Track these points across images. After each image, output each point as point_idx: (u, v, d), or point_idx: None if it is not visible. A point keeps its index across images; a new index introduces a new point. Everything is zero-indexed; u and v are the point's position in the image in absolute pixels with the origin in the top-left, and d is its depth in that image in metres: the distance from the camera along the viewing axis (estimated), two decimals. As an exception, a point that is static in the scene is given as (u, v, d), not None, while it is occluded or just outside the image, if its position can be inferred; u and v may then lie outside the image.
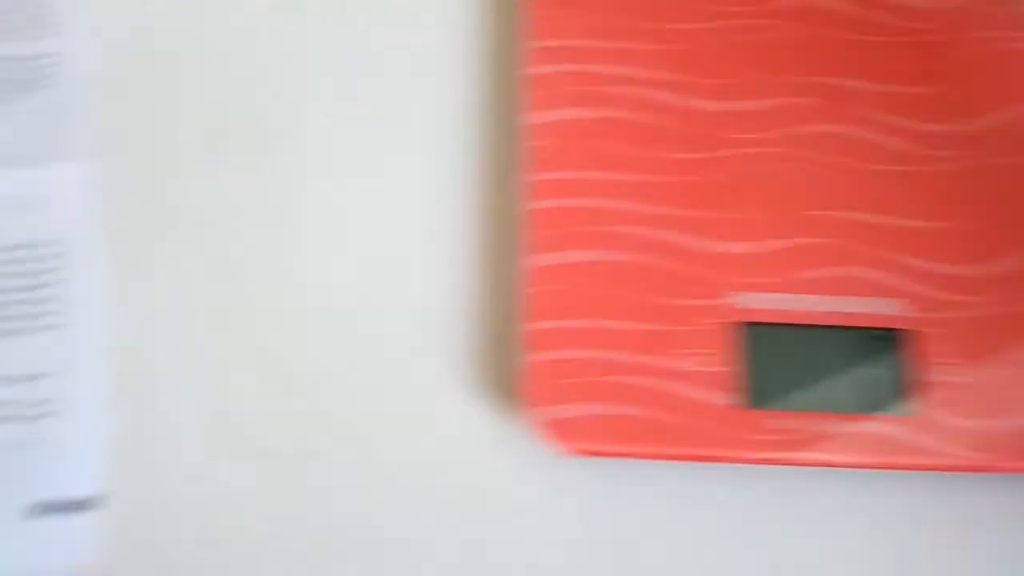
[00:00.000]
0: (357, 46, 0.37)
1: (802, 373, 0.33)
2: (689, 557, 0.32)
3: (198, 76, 0.37)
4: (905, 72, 0.36)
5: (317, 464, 0.33)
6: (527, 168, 0.34)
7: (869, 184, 0.34)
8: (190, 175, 0.36)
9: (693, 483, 0.32)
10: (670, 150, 0.35)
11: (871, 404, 0.32)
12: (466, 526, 0.32)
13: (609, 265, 0.33)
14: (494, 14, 0.38)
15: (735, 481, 0.32)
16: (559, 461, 0.32)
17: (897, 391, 0.32)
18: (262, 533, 0.32)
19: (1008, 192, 0.35)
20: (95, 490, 0.33)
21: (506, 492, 0.33)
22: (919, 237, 0.34)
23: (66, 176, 0.36)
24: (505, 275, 0.35)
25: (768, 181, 0.34)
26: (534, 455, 0.33)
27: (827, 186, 0.34)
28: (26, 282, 0.35)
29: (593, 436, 0.32)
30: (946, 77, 0.36)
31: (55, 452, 0.33)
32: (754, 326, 0.33)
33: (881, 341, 0.33)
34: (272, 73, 0.37)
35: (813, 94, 0.35)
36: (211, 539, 0.32)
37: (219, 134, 0.36)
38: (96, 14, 0.37)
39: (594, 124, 0.35)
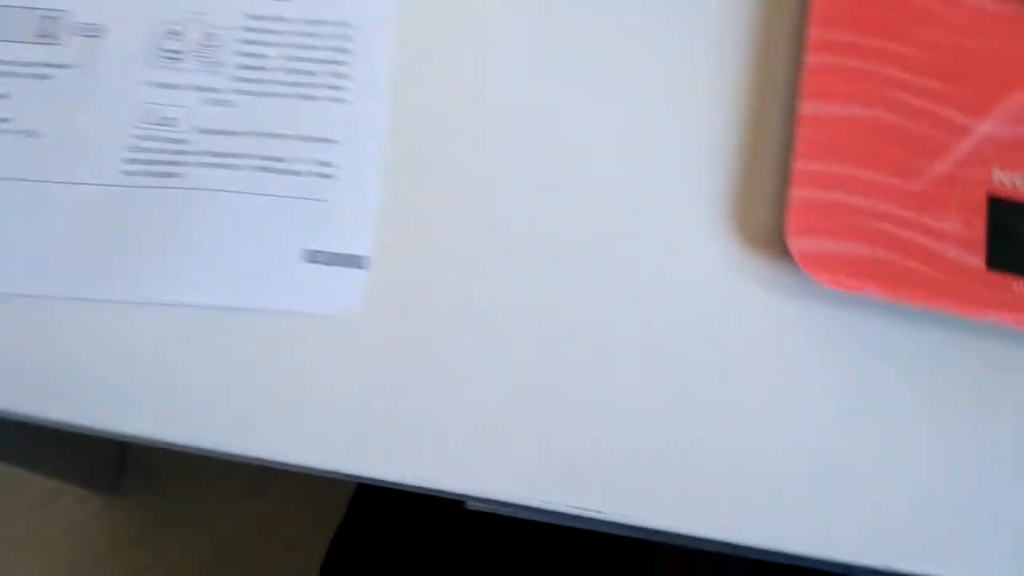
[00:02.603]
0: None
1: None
2: (922, 402, 0.34)
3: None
4: None
5: (573, 259, 0.35)
6: (806, 25, 0.36)
7: None
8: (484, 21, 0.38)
9: (939, 334, 0.34)
10: (944, 33, 0.36)
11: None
12: (713, 347, 0.34)
13: (880, 123, 0.35)
14: None
15: (977, 340, 0.34)
16: (812, 294, 0.34)
17: None
18: (509, 309, 0.34)
19: None
20: (363, 250, 0.35)
21: (757, 323, 0.34)
22: None
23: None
24: (774, 119, 0.36)
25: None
26: (788, 287, 0.34)
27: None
28: (325, 55, 0.37)
29: (849, 271, 0.33)
30: None
31: (332, 209, 0.35)
32: (1005, 200, 0.35)
33: None
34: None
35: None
36: (458, 318, 0.34)
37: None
38: None
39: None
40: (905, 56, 0.36)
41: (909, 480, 0.33)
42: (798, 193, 0.34)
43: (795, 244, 0.34)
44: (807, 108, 0.35)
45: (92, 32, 0.37)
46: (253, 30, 0.37)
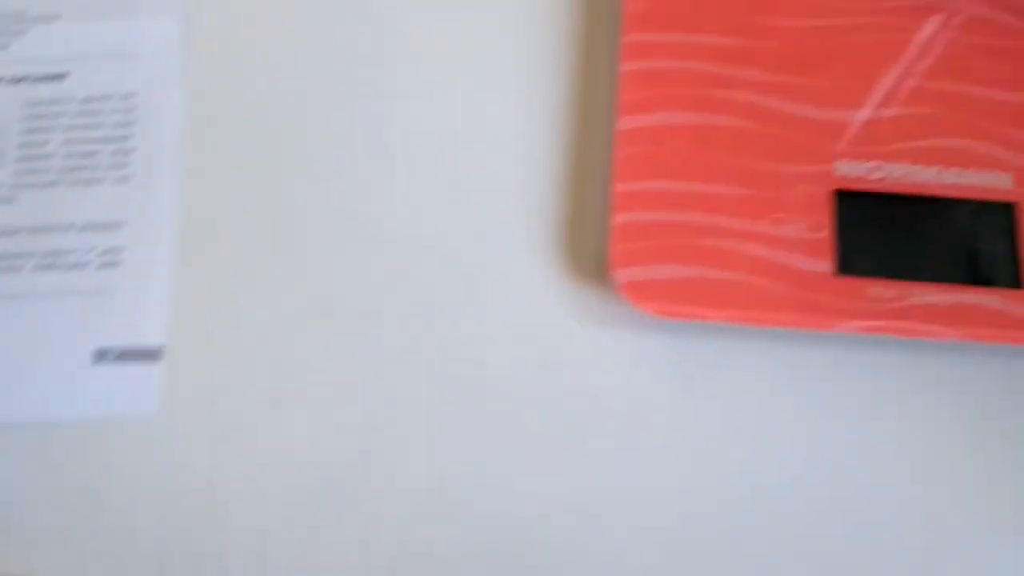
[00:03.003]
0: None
1: (902, 242, 0.31)
2: (772, 425, 0.30)
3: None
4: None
5: (387, 326, 0.32)
6: (621, 30, 0.33)
7: (976, 57, 0.33)
8: (275, 43, 0.35)
9: (783, 351, 0.31)
10: (769, 14, 0.33)
11: (973, 275, 0.30)
12: (544, 387, 0.31)
13: (706, 128, 0.32)
14: None
15: (828, 351, 0.31)
16: (644, 324, 0.31)
17: (1001, 263, 0.30)
18: (327, 394, 0.31)
19: None
20: (157, 340, 0.32)
21: (587, 355, 0.31)
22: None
23: (151, 30, 0.35)
24: (595, 139, 0.33)
25: (871, 49, 0.33)
26: (619, 319, 0.31)
27: (933, 57, 0.33)
28: (104, 133, 0.34)
29: (677, 298, 0.30)
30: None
31: (120, 300, 0.32)
32: (855, 194, 0.31)
33: (985, 213, 0.31)
34: None
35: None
36: (270, 398, 0.31)
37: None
38: None
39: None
40: (730, 49, 0.33)
41: (777, 509, 0.29)
42: (620, 218, 0.31)
43: (621, 275, 0.30)
44: (624, 123, 0.32)
45: None
46: (34, 117, 0.34)
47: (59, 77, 0.35)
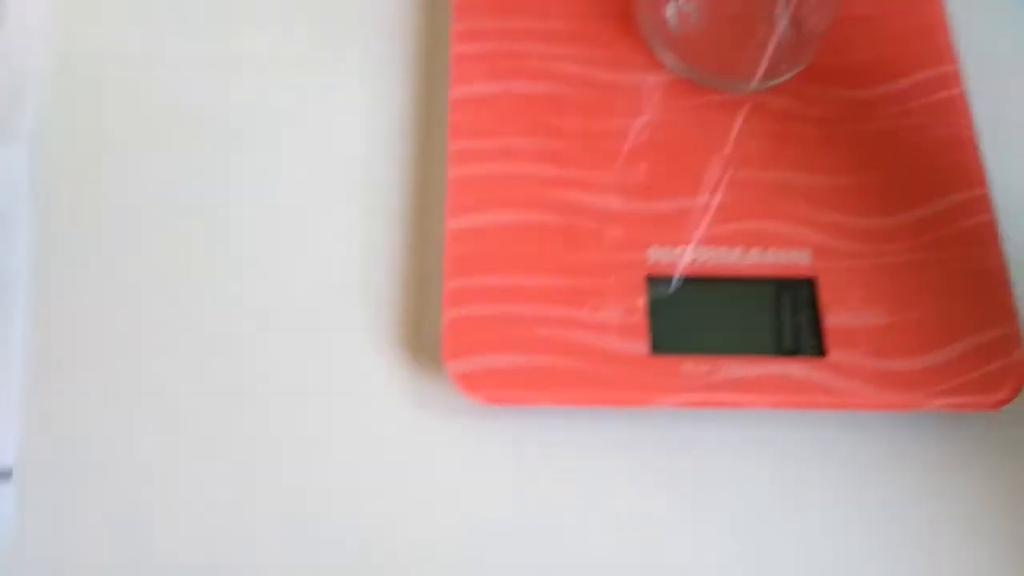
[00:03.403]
0: (282, 43, 0.39)
1: (711, 321, 0.33)
2: (603, 502, 0.32)
3: (138, 72, 0.38)
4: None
5: (238, 435, 0.33)
6: (449, 137, 0.35)
7: (773, 144, 0.36)
8: (122, 166, 0.37)
9: (608, 429, 0.33)
10: (576, 117, 0.36)
11: (779, 347, 0.33)
12: (386, 479, 0.32)
13: (528, 224, 0.34)
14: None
15: (650, 426, 0.33)
16: (479, 413, 0.32)
17: (804, 334, 0.33)
18: (179, 507, 0.32)
19: (904, 153, 0.36)
20: (6, 460, 0.32)
21: (427, 445, 0.33)
22: (824, 192, 0.35)
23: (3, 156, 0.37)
24: (430, 239, 0.35)
25: (677, 143, 0.36)
26: (456, 409, 0.33)
27: (734, 146, 0.36)
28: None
29: (506, 385, 0.32)
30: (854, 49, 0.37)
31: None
32: (665, 279, 0.33)
33: (787, 289, 0.33)
34: (208, 73, 0.38)
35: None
36: (125, 512, 0.32)
37: (156, 130, 0.37)
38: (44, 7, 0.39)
39: (508, 96, 0.36)
40: (547, 151, 0.35)
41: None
42: (451, 313, 0.33)
43: (453, 367, 0.32)
44: (452, 223, 0.34)
45: None
46: None
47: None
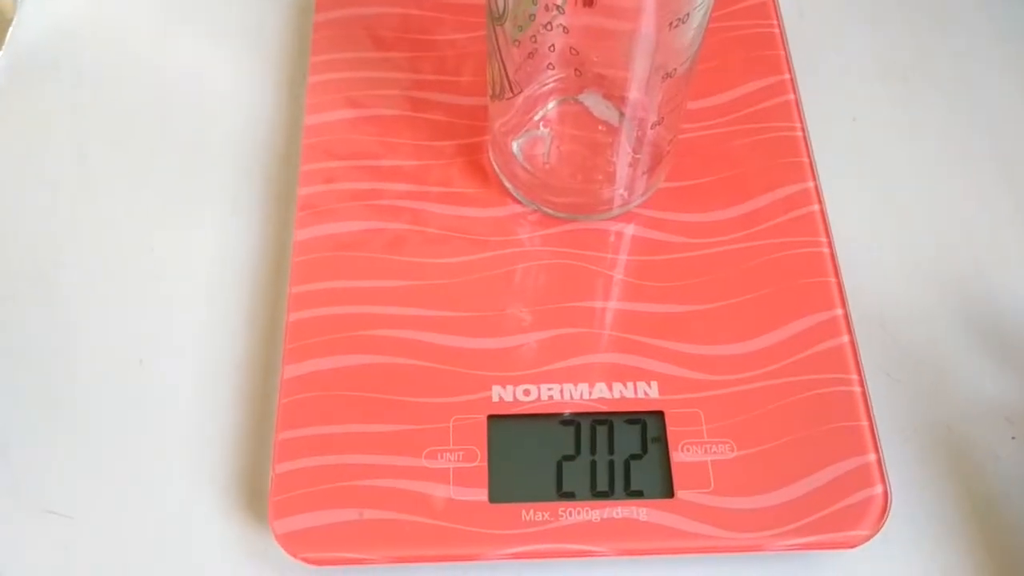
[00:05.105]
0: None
1: (554, 463, 0.31)
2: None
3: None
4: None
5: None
6: (291, 280, 0.34)
7: (620, 274, 0.34)
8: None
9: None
10: (421, 253, 0.35)
11: (624, 488, 0.31)
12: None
13: (364, 369, 0.33)
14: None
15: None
16: (313, 572, 0.30)
17: (651, 474, 0.31)
18: None
19: (757, 278, 0.34)
20: None
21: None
22: (669, 322, 0.33)
23: None
24: (271, 386, 0.34)
25: (518, 279, 0.34)
26: (289, 565, 0.31)
27: (577, 279, 0.34)
28: None
29: (334, 544, 0.30)
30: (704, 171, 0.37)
31: None
32: (506, 418, 0.32)
33: (634, 424, 0.32)
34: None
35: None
36: None
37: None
38: None
39: (347, 236, 0.35)
40: (385, 291, 0.34)
41: None
42: (281, 467, 0.31)
43: (278, 526, 0.30)
44: (288, 372, 0.33)
45: None
46: None
47: None
